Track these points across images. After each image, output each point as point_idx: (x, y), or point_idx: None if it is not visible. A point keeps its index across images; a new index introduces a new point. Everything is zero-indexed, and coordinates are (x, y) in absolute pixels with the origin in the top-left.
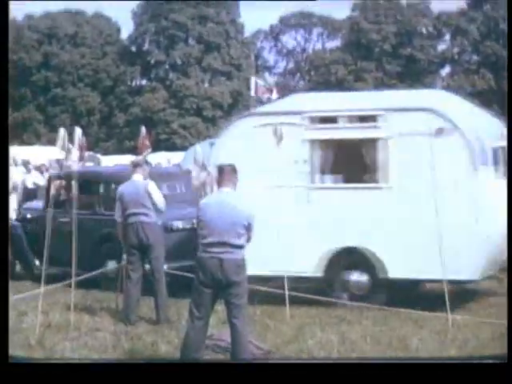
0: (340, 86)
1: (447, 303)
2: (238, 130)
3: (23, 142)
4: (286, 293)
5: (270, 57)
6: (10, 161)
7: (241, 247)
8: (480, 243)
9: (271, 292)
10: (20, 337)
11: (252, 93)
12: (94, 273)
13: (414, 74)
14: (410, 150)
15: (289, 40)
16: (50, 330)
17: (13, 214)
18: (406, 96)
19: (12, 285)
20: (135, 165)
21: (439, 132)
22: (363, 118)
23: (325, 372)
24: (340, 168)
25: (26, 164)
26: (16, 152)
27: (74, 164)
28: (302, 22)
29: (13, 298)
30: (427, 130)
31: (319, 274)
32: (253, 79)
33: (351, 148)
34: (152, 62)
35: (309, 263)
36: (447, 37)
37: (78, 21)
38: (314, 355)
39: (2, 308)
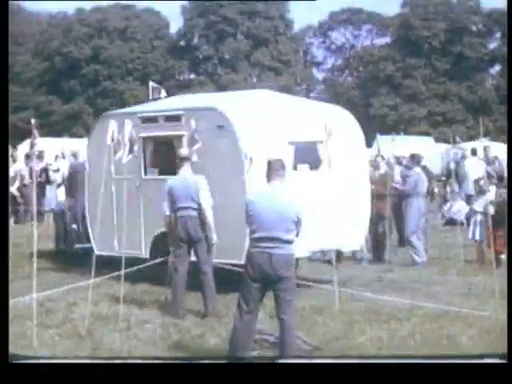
0: (388, 82)
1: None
2: (98, 127)
3: (73, 135)
4: (336, 289)
5: (318, 53)
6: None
7: (290, 242)
8: None
9: (321, 288)
10: (69, 327)
11: (150, 96)
12: (142, 265)
13: (463, 72)
14: (204, 144)
15: (337, 36)
16: (99, 321)
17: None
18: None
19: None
20: (183, 158)
21: (220, 129)
22: (171, 118)
23: (325, 372)
24: (161, 162)
25: (75, 155)
26: (65, 144)
27: (124, 156)
28: (352, 18)
29: (63, 288)
30: (212, 126)
31: (146, 255)
32: (150, 84)
33: (168, 144)
34: (201, 56)
35: (138, 244)
36: (497, 35)
37: (127, 15)
38: (362, 352)
39: (2, 308)
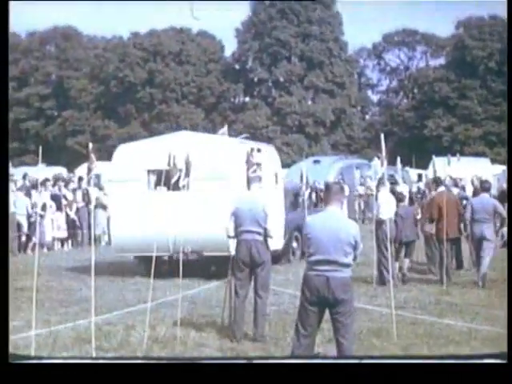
0: (443, 103)
1: None
2: None
3: None
4: (393, 312)
5: (372, 75)
6: None
7: (348, 266)
8: None
9: (378, 310)
10: (128, 350)
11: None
12: (200, 288)
13: None
14: None
15: (392, 58)
16: (156, 345)
17: None
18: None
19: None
20: (252, 180)
21: None
22: None
23: (325, 372)
24: None
25: None
26: None
27: (181, 180)
28: (406, 39)
29: (122, 311)
30: None
31: None
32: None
33: None
34: (255, 79)
35: None
36: None
37: (182, 38)
38: None
39: (2, 308)
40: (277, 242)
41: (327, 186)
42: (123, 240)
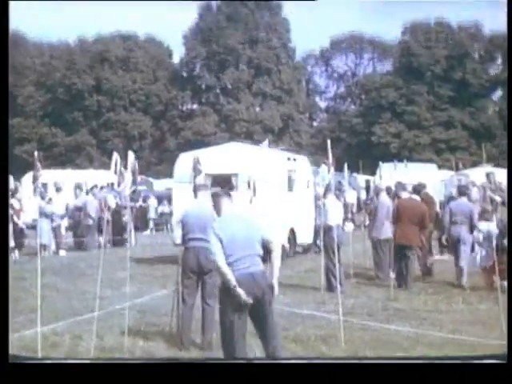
0: (391, 109)
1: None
2: None
3: (76, 166)
4: (341, 318)
5: (320, 81)
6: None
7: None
8: None
9: (326, 317)
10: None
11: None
12: (148, 297)
13: (465, 98)
14: None
15: (339, 64)
16: (104, 354)
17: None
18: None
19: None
20: (199, 187)
21: None
22: None
23: (325, 372)
24: None
25: (78, 187)
26: (69, 176)
27: (127, 188)
28: (353, 46)
29: (68, 321)
30: None
31: None
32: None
33: None
34: (203, 86)
35: None
36: (499, 60)
37: (129, 45)
38: None
39: (2, 308)
40: (308, 237)
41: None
42: None
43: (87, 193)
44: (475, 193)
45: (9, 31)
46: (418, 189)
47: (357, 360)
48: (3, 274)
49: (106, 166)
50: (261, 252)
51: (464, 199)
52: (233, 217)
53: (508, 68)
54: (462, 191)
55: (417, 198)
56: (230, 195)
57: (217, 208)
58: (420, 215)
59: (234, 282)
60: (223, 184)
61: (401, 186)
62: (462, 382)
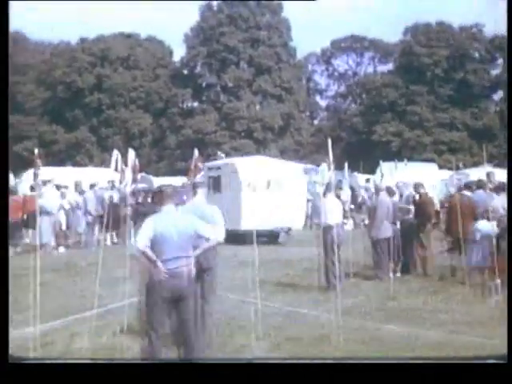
0: (392, 109)
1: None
2: None
3: (76, 164)
4: (339, 317)
5: (321, 80)
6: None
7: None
8: None
9: (324, 316)
10: (72, 358)
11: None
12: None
13: (466, 98)
14: None
15: (340, 63)
16: (101, 352)
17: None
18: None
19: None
20: (197, 185)
21: None
22: None
23: (325, 372)
24: None
25: (78, 185)
26: (69, 173)
27: (128, 185)
28: (354, 45)
29: (67, 319)
30: None
31: None
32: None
33: None
34: (203, 84)
35: None
36: (500, 61)
37: (130, 44)
38: None
39: (2, 308)
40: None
41: (160, 189)
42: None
43: (86, 190)
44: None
45: (9, 31)
46: (417, 188)
47: (357, 360)
48: (3, 274)
49: (106, 164)
50: (191, 253)
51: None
52: (171, 213)
53: (508, 68)
54: (480, 185)
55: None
56: (175, 191)
57: (159, 203)
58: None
59: (154, 257)
60: (214, 184)
61: (419, 185)
62: (462, 382)
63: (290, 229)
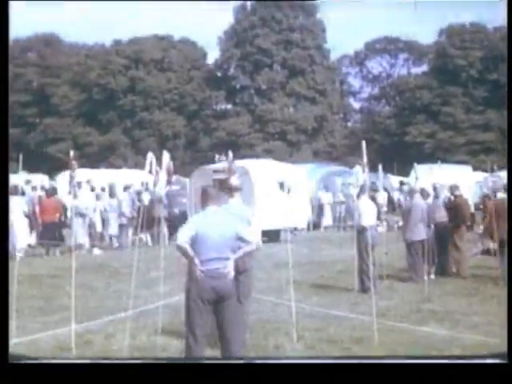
0: (426, 110)
1: None
2: None
3: (110, 165)
4: (375, 320)
5: (354, 82)
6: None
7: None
8: None
9: (359, 318)
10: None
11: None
12: (181, 296)
13: (500, 100)
14: None
15: (374, 65)
16: (137, 353)
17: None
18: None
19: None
20: (235, 189)
21: None
22: None
23: (325, 372)
24: None
25: (112, 187)
26: (103, 175)
27: (162, 187)
28: (388, 47)
29: (103, 319)
30: None
31: None
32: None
33: None
34: (237, 86)
35: None
36: None
37: (164, 46)
38: None
39: (2, 308)
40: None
41: (204, 190)
42: None
43: (121, 192)
44: None
45: (9, 31)
46: (452, 190)
47: (357, 360)
48: (3, 275)
49: (140, 166)
50: (230, 255)
51: None
52: (214, 214)
53: (508, 68)
54: None
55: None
56: (218, 193)
57: (203, 203)
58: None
59: (192, 253)
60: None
61: (454, 187)
62: (462, 382)
63: (296, 228)
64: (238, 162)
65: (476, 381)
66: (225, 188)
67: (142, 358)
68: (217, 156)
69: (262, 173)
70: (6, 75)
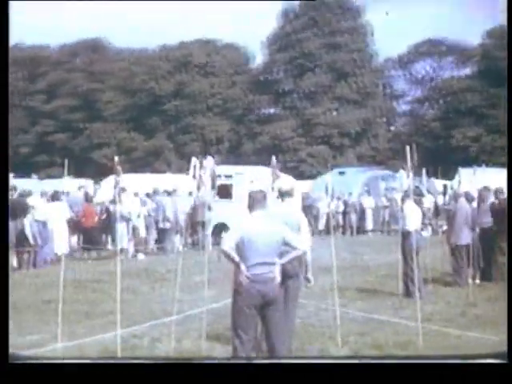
0: (471, 113)
1: None
2: None
3: (155, 170)
4: (419, 324)
5: (398, 85)
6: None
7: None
8: None
9: (404, 323)
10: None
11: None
12: (225, 301)
13: None
14: None
15: (418, 68)
16: (182, 357)
17: None
18: None
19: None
20: (289, 194)
21: None
22: None
23: (325, 372)
24: None
25: (156, 192)
26: (147, 179)
27: (207, 192)
28: (432, 50)
29: (146, 324)
30: None
31: None
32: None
33: None
34: (281, 90)
35: None
36: None
37: (208, 51)
38: None
39: (2, 308)
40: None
41: (250, 195)
42: None
43: (165, 197)
44: None
45: (9, 31)
46: (497, 194)
47: (357, 360)
48: (3, 275)
49: (184, 170)
50: (276, 260)
51: None
52: (260, 219)
53: (508, 68)
54: None
55: None
56: (265, 197)
57: (249, 208)
58: None
59: (237, 258)
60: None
61: (499, 191)
62: (462, 382)
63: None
64: (240, 168)
65: (476, 381)
66: (274, 193)
67: (142, 358)
68: (193, 159)
69: (267, 180)
70: (7, 75)
